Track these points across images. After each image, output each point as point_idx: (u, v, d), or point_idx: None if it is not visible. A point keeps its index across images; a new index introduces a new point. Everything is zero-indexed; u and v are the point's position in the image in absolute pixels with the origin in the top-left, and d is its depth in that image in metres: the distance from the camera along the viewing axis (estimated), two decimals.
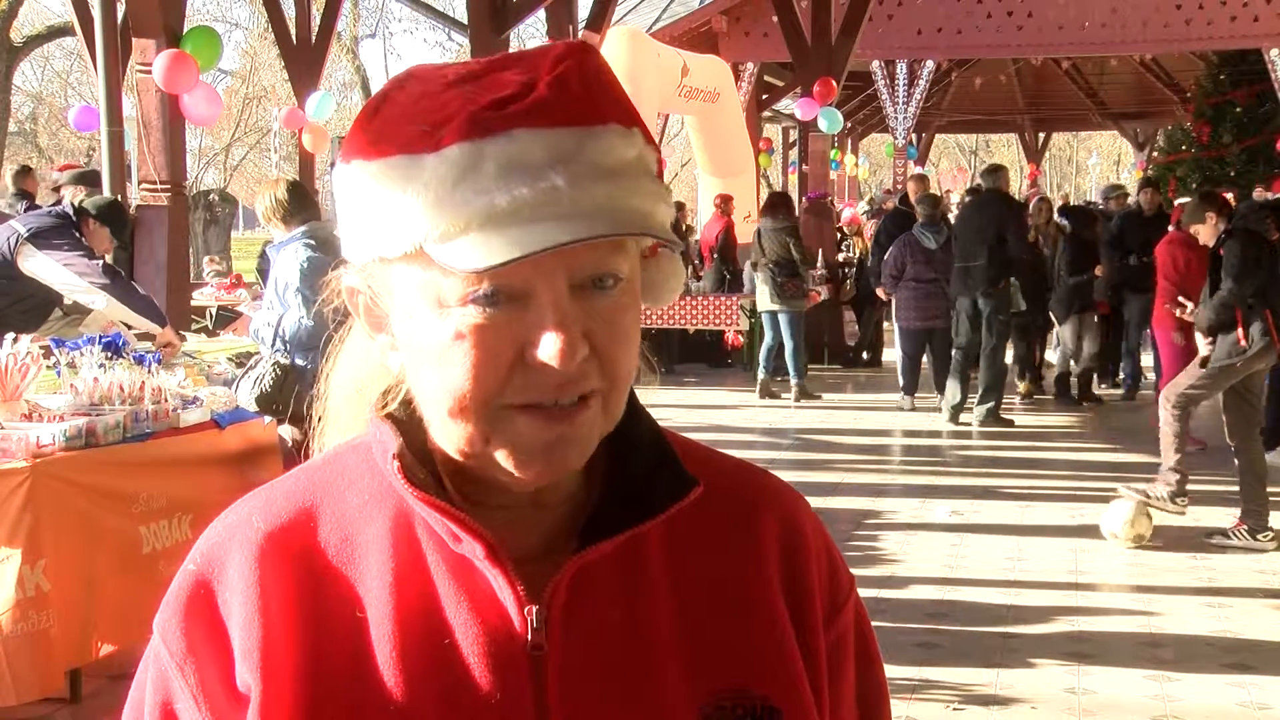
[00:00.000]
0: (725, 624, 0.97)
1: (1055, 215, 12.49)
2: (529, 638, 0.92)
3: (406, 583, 0.93)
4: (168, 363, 5.59)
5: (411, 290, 0.89)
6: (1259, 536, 6.65)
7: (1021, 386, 11.84)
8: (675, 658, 0.95)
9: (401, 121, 0.89)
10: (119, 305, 6.02)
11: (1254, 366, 6.72)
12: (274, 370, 5.13)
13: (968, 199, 12.76)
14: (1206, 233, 7.08)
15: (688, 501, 0.96)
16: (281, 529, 0.96)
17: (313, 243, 5.18)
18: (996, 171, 11.34)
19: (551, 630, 0.92)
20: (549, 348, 0.85)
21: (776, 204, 12.10)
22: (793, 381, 11.72)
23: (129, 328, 6.05)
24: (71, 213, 6.32)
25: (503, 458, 0.89)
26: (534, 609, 0.92)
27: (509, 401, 0.87)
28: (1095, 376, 11.90)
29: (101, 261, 6.09)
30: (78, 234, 6.18)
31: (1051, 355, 12.98)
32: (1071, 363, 11.79)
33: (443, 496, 0.93)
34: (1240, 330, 6.62)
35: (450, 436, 0.91)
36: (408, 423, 0.97)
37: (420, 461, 0.95)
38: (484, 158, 0.85)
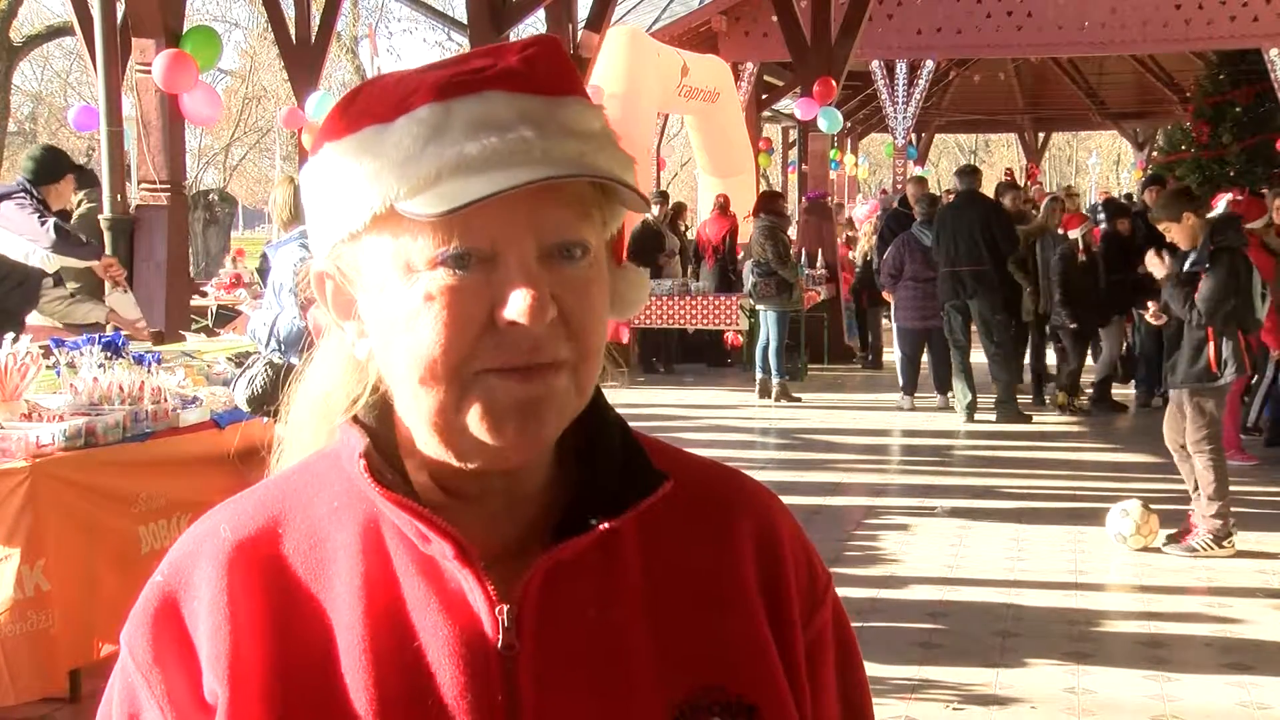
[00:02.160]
0: (700, 622, 0.96)
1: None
2: (500, 638, 0.90)
3: (375, 587, 0.92)
4: (111, 281, 6.76)
5: (381, 261, 0.89)
6: (1225, 543, 6.60)
7: (1059, 397, 11.28)
8: (650, 656, 0.94)
9: (373, 102, 0.91)
10: (64, 259, 6.48)
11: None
12: (265, 370, 5.13)
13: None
14: (1180, 233, 6.68)
15: (659, 496, 0.95)
16: (250, 538, 0.95)
17: (309, 243, 5.18)
18: (972, 173, 11.35)
19: (523, 630, 0.91)
20: (517, 303, 0.85)
21: (761, 204, 12.09)
22: (773, 380, 11.71)
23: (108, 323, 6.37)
24: (28, 182, 6.49)
25: (475, 422, 0.88)
26: (505, 609, 0.90)
27: (480, 366, 0.87)
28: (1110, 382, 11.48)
29: (51, 223, 6.36)
30: (33, 197, 6.41)
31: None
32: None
33: (411, 497, 0.92)
34: (1211, 355, 6.44)
35: (422, 408, 0.90)
36: (376, 427, 0.96)
37: (390, 464, 0.94)
38: (453, 115, 0.87)
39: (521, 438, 0.89)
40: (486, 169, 0.85)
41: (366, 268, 0.91)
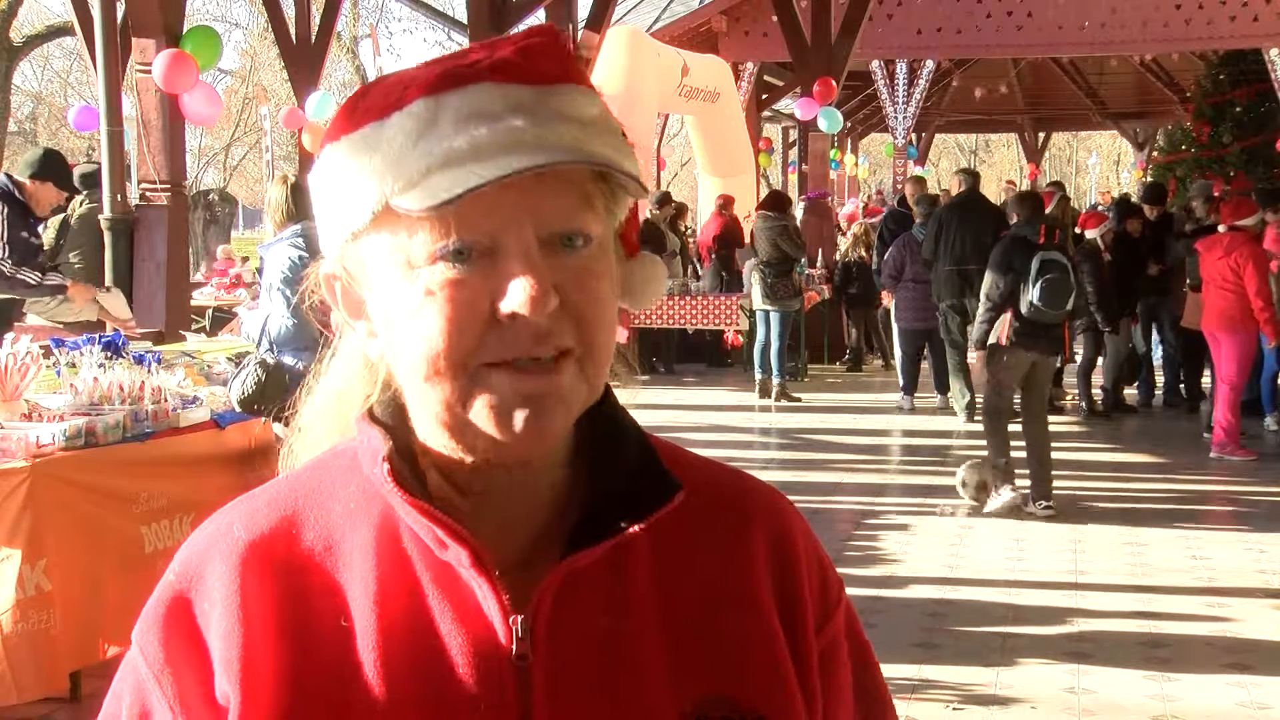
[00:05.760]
0: (713, 632, 0.95)
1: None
2: (514, 648, 0.90)
3: (391, 591, 0.92)
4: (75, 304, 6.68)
5: (382, 259, 0.89)
6: (1047, 506, 7.43)
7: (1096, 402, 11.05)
8: (662, 666, 0.93)
9: (375, 100, 0.90)
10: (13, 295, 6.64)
11: (1012, 357, 7.42)
12: (256, 370, 5.13)
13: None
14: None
15: (671, 507, 0.94)
16: (263, 537, 0.94)
17: (300, 243, 5.18)
18: (974, 176, 11.42)
19: (537, 640, 0.91)
20: (517, 294, 0.84)
21: (769, 203, 12.02)
22: (774, 380, 11.69)
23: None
24: (9, 183, 6.54)
25: (483, 419, 0.88)
26: (519, 619, 0.90)
27: (485, 360, 0.87)
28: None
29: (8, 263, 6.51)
30: (11, 200, 6.57)
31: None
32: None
33: (427, 499, 0.92)
34: (979, 325, 7.58)
35: (429, 404, 0.90)
36: (393, 427, 0.96)
37: (407, 464, 0.94)
38: (444, 109, 0.86)
39: (529, 432, 0.88)
40: (477, 159, 0.84)
41: (371, 266, 0.91)
